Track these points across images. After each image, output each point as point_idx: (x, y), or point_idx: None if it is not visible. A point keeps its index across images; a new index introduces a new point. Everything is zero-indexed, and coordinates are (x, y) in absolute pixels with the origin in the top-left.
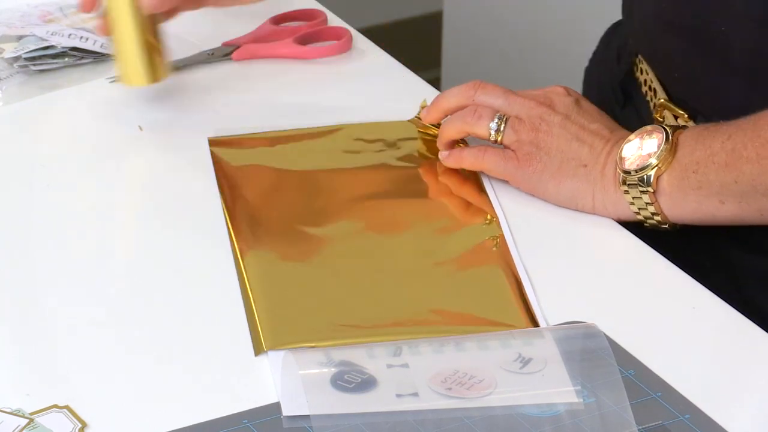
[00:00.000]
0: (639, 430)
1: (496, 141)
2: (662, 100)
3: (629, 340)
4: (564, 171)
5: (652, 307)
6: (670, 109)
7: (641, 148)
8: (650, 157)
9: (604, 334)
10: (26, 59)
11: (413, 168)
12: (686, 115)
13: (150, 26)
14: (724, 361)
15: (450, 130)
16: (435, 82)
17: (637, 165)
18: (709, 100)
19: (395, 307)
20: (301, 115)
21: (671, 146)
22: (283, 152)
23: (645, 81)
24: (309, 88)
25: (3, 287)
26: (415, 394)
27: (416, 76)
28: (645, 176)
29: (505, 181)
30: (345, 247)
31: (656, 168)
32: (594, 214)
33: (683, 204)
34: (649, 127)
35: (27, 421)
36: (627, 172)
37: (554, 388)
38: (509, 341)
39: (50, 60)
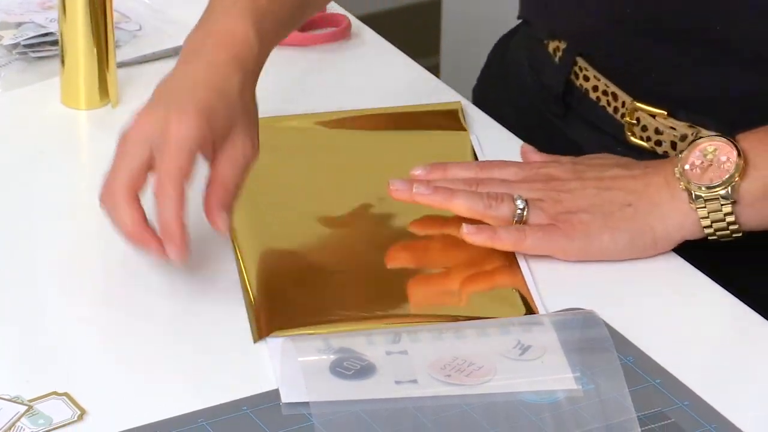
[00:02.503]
0: (638, 416)
1: (519, 222)
2: (630, 102)
3: (628, 327)
4: (611, 219)
5: (651, 293)
6: (644, 110)
7: (706, 161)
8: (727, 169)
9: (603, 321)
10: (25, 46)
11: (412, 158)
12: (666, 113)
13: (102, 53)
14: (723, 347)
15: (461, 209)
16: (434, 69)
17: (714, 179)
18: (696, 92)
19: (394, 294)
20: (299, 101)
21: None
22: (284, 138)
23: (595, 87)
24: (307, 74)
25: (2, 274)
26: (414, 381)
27: (415, 63)
28: (729, 188)
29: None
30: (344, 233)
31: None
32: (655, 252)
33: (767, 211)
34: (703, 141)
35: (26, 408)
36: (708, 188)
37: (553, 374)
38: (508, 328)
39: (49, 47)
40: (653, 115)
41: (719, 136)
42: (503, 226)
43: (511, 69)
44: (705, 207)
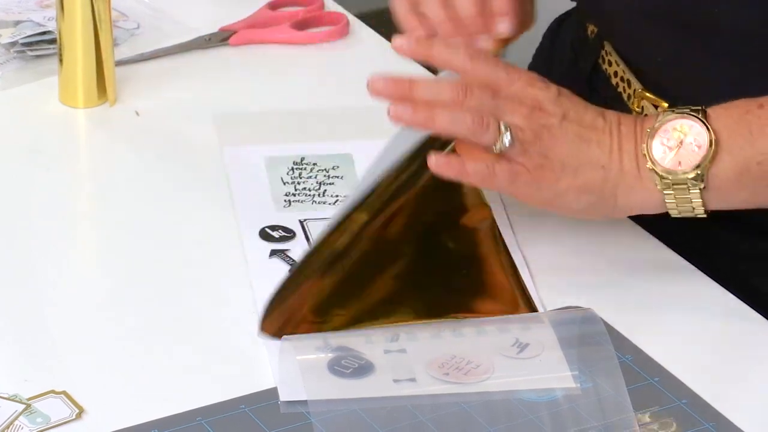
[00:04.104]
0: (636, 414)
1: (500, 152)
2: (639, 90)
3: (627, 325)
4: (581, 178)
5: (649, 292)
6: (648, 99)
7: (675, 140)
8: (697, 153)
9: (602, 320)
10: (23, 45)
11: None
12: (666, 105)
13: (100, 51)
14: (721, 346)
15: (444, 130)
16: (431, 68)
17: (683, 163)
18: (695, 85)
19: (393, 294)
20: (297, 99)
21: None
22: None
23: (615, 72)
24: (306, 73)
25: (1, 273)
26: (413, 380)
27: (412, 61)
28: (698, 171)
29: None
30: (343, 232)
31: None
32: (609, 218)
33: (734, 196)
34: (673, 117)
35: (24, 406)
36: (676, 172)
37: (551, 373)
38: (506, 326)
39: (47, 45)
40: (655, 105)
41: (690, 112)
42: (473, 159)
43: (557, 48)
44: (672, 192)
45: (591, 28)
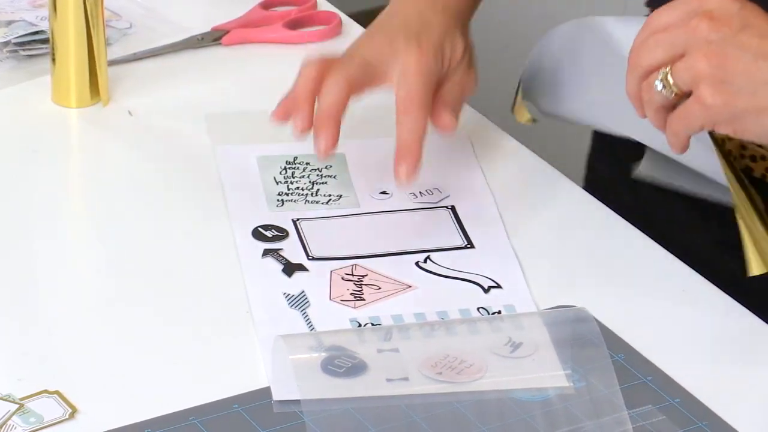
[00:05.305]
0: (629, 413)
1: (674, 95)
2: None
3: (619, 324)
4: (761, 99)
5: (642, 291)
6: None
7: None
8: None
9: (595, 319)
10: (16, 44)
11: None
12: None
13: (92, 51)
14: (714, 344)
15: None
16: None
17: None
18: None
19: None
20: None
21: None
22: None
23: None
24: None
25: None
26: (406, 379)
27: None
28: None
29: (497, 163)
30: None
31: None
32: None
33: None
34: None
35: (17, 406)
36: None
37: (545, 372)
38: (499, 325)
39: (40, 45)
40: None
41: None
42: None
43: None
44: None
45: None
